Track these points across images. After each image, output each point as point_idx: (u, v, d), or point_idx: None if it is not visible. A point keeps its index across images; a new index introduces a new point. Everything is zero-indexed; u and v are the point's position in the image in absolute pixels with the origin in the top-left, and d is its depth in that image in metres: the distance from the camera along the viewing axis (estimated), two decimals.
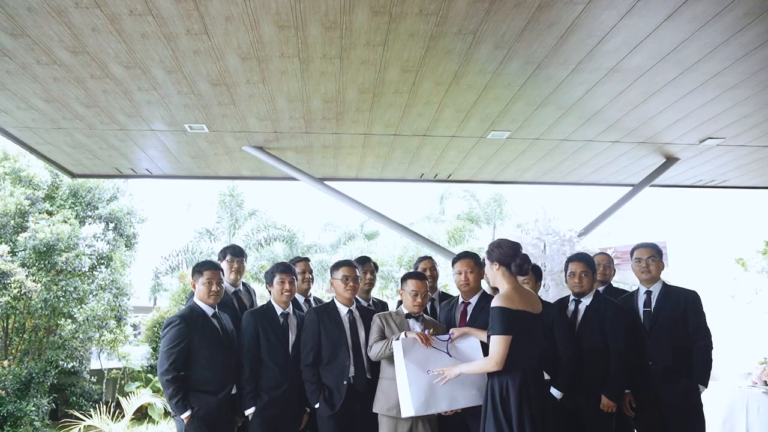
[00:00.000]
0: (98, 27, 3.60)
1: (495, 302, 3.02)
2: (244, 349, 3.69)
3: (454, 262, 3.91)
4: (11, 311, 8.85)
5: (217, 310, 3.73)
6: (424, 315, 3.74)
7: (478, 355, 3.42)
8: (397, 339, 3.42)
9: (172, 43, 3.82)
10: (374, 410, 3.57)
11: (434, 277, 4.57)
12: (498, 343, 2.94)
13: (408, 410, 3.21)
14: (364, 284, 4.38)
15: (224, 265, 4.20)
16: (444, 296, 4.58)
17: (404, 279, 3.70)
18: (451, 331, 3.54)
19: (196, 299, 3.69)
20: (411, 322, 3.66)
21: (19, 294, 8.68)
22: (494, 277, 3.17)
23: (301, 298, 4.39)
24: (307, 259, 4.57)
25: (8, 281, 8.54)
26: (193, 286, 3.71)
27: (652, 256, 3.95)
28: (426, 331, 3.50)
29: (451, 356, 3.40)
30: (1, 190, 9.88)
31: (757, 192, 8.25)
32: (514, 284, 3.13)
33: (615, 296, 4.19)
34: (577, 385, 3.84)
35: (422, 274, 3.78)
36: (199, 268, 3.71)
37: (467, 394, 3.34)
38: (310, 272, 4.56)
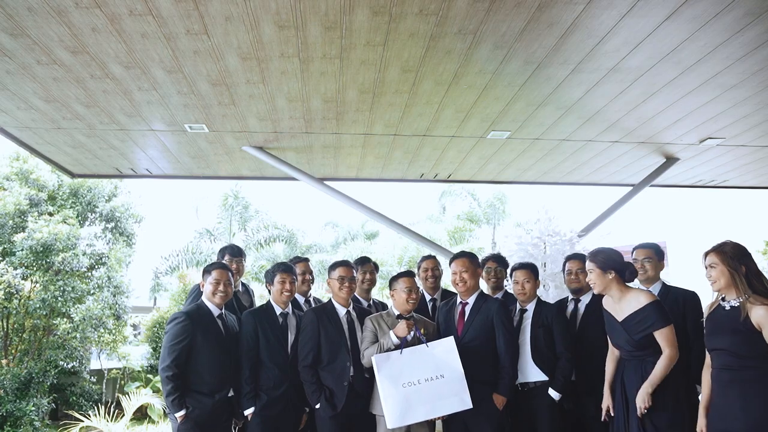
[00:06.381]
0: (98, 27, 3.60)
1: (646, 298, 3.20)
2: (243, 349, 3.68)
3: (450, 263, 3.91)
4: (9, 311, 8.85)
5: (223, 311, 3.74)
6: (414, 315, 3.72)
7: (453, 356, 3.44)
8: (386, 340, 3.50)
9: (172, 43, 3.82)
10: (372, 411, 3.59)
11: (437, 276, 4.53)
12: (673, 332, 3.14)
13: (389, 422, 3.33)
14: (364, 284, 4.38)
15: None
16: (447, 294, 4.52)
17: (394, 280, 3.69)
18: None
19: (204, 298, 3.70)
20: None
21: (9, 294, 8.67)
22: (608, 284, 3.29)
23: (301, 299, 4.38)
24: (306, 260, 4.54)
25: None
26: (202, 286, 3.73)
27: (648, 257, 3.94)
28: (418, 331, 3.51)
29: (428, 346, 3.48)
30: (8, 189, 9.90)
31: (757, 192, 8.25)
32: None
33: None
34: (579, 384, 3.83)
35: (410, 271, 3.79)
36: (209, 268, 3.74)
37: (447, 402, 3.39)
38: (310, 273, 4.53)
